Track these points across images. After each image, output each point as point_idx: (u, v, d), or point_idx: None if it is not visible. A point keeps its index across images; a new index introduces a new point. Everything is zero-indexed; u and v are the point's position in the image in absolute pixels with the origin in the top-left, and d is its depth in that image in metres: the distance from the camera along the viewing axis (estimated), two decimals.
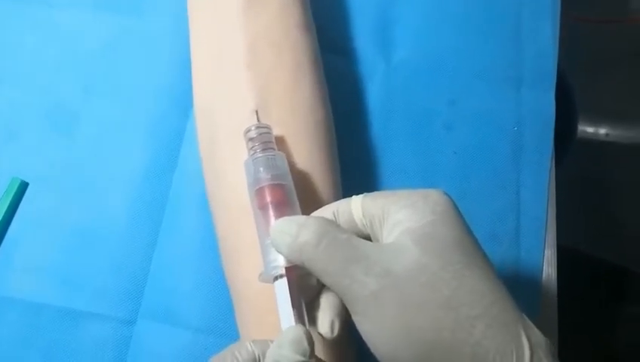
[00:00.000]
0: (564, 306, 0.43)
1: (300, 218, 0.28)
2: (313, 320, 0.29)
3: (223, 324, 0.41)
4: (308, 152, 0.37)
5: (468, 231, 0.27)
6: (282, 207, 0.30)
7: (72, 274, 0.42)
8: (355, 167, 0.45)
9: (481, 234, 0.28)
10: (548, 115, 0.48)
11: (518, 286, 0.42)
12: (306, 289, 0.30)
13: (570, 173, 0.64)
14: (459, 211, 0.28)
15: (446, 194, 0.28)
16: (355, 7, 0.50)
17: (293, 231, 0.27)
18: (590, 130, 1.08)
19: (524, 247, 0.44)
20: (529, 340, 0.24)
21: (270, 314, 0.33)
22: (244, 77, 0.37)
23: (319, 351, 0.33)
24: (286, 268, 0.28)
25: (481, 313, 0.24)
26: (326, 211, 0.30)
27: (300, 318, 0.28)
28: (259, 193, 0.31)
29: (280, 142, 0.35)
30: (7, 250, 0.43)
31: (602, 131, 1.08)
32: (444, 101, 0.48)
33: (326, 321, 0.29)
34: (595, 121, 1.08)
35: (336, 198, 0.37)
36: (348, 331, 0.29)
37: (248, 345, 0.27)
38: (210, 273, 0.42)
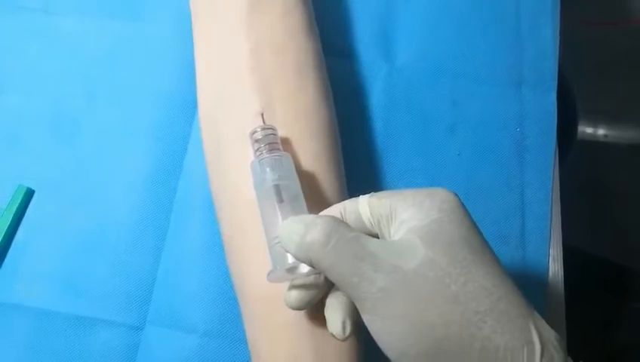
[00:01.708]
0: (569, 304, 0.43)
1: (308, 217, 0.28)
2: (324, 321, 0.29)
3: (230, 328, 0.41)
4: (313, 153, 0.37)
5: (475, 228, 0.27)
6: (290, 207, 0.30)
7: (79, 281, 0.42)
8: (359, 170, 0.45)
9: (487, 234, 0.28)
10: (550, 115, 0.48)
11: (525, 285, 0.42)
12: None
13: (569, 172, 0.64)
14: (465, 209, 0.28)
15: (452, 192, 0.28)
16: (358, 10, 0.51)
17: (301, 231, 0.27)
18: (589, 130, 1.09)
19: (530, 246, 0.44)
20: (540, 335, 0.24)
21: (276, 312, 0.33)
22: (247, 81, 0.37)
23: (330, 352, 0.33)
24: None
25: (489, 308, 0.24)
26: (333, 211, 0.30)
27: None
28: (269, 192, 0.31)
29: (285, 143, 0.36)
30: (14, 258, 0.43)
31: (601, 132, 1.08)
32: (447, 103, 0.48)
33: (337, 321, 0.29)
34: (594, 121, 1.09)
35: (342, 198, 0.37)
36: (359, 332, 0.29)
37: None
38: (217, 277, 0.42)
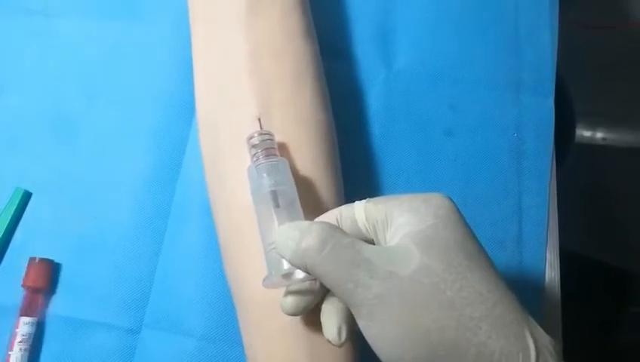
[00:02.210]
0: (566, 307, 0.43)
1: (304, 223, 0.28)
2: (320, 327, 0.29)
3: (227, 332, 0.41)
4: (310, 158, 0.37)
5: (470, 234, 0.27)
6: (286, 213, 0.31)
7: (77, 284, 0.43)
8: (357, 174, 0.45)
9: (483, 239, 0.28)
10: (547, 120, 0.48)
11: (521, 290, 0.43)
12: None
13: (568, 176, 0.64)
14: (461, 214, 0.28)
15: (448, 197, 0.28)
16: (356, 14, 0.51)
17: (296, 237, 0.27)
18: (587, 134, 1.09)
19: (527, 251, 0.44)
20: (535, 341, 0.24)
21: (272, 317, 0.33)
22: (246, 84, 0.37)
23: (325, 358, 0.33)
24: None
25: (485, 314, 0.24)
26: (329, 216, 0.30)
27: None
28: (265, 197, 0.31)
29: (282, 148, 0.36)
30: (11, 260, 0.43)
31: (599, 135, 1.09)
32: (445, 107, 0.48)
33: (333, 327, 0.29)
34: (593, 125, 1.09)
35: (339, 204, 0.37)
36: (354, 338, 0.29)
37: None
38: (215, 281, 0.42)
